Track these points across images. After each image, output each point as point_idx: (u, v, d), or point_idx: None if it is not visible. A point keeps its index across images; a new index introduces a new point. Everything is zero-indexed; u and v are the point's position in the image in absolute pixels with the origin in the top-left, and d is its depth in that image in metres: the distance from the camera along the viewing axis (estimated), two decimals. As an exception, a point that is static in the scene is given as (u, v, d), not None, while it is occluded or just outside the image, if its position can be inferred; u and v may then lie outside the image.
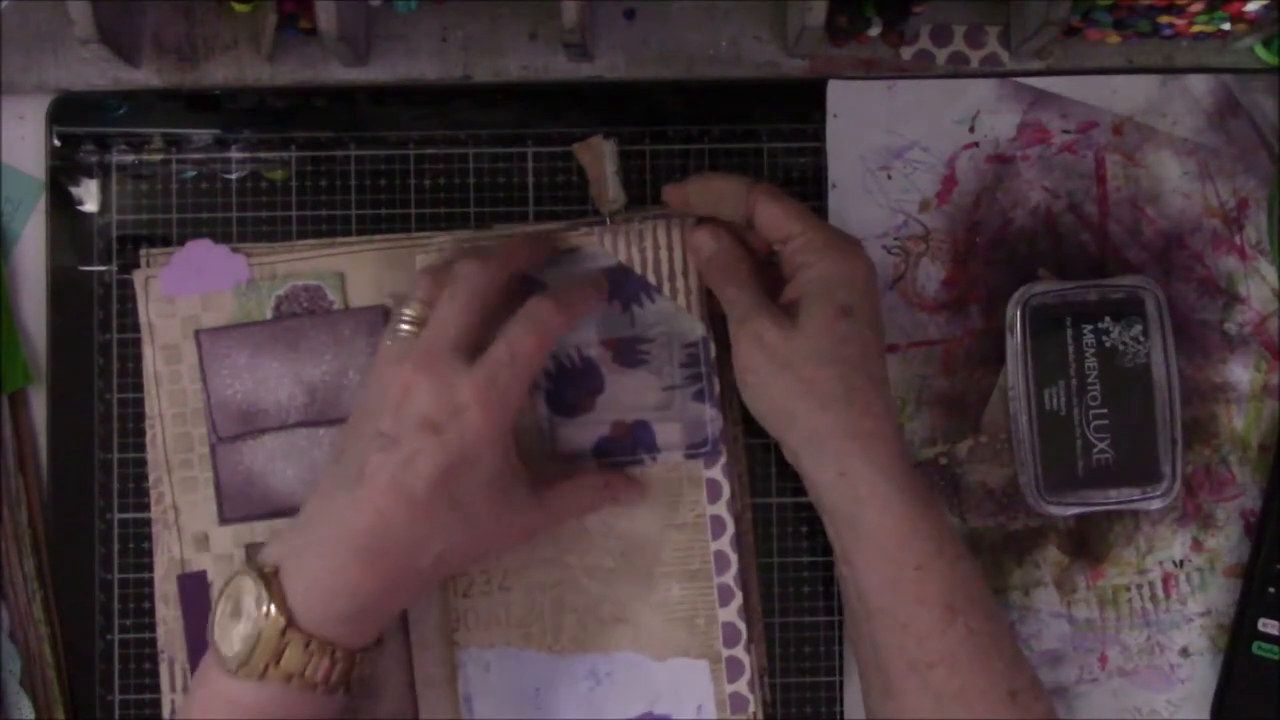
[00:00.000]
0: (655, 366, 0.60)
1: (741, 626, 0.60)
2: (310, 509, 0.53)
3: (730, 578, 0.60)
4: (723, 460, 0.60)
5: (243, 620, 0.50)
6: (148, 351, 0.61)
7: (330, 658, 0.51)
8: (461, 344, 0.52)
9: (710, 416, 0.60)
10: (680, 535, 0.60)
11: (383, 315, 0.61)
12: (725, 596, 0.60)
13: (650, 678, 0.60)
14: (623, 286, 0.60)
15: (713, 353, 0.60)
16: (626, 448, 0.60)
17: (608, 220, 0.61)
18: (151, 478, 0.61)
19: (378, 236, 0.62)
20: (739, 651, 0.60)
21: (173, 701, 0.61)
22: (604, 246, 0.60)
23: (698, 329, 0.60)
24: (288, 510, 0.60)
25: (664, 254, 0.60)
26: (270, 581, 0.51)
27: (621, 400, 0.60)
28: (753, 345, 0.55)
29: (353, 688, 0.52)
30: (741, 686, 0.60)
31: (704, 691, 0.60)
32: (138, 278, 0.61)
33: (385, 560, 0.51)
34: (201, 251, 0.61)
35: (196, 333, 0.61)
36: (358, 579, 0.51)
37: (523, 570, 0.60)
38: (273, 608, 0.50)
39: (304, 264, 0.61)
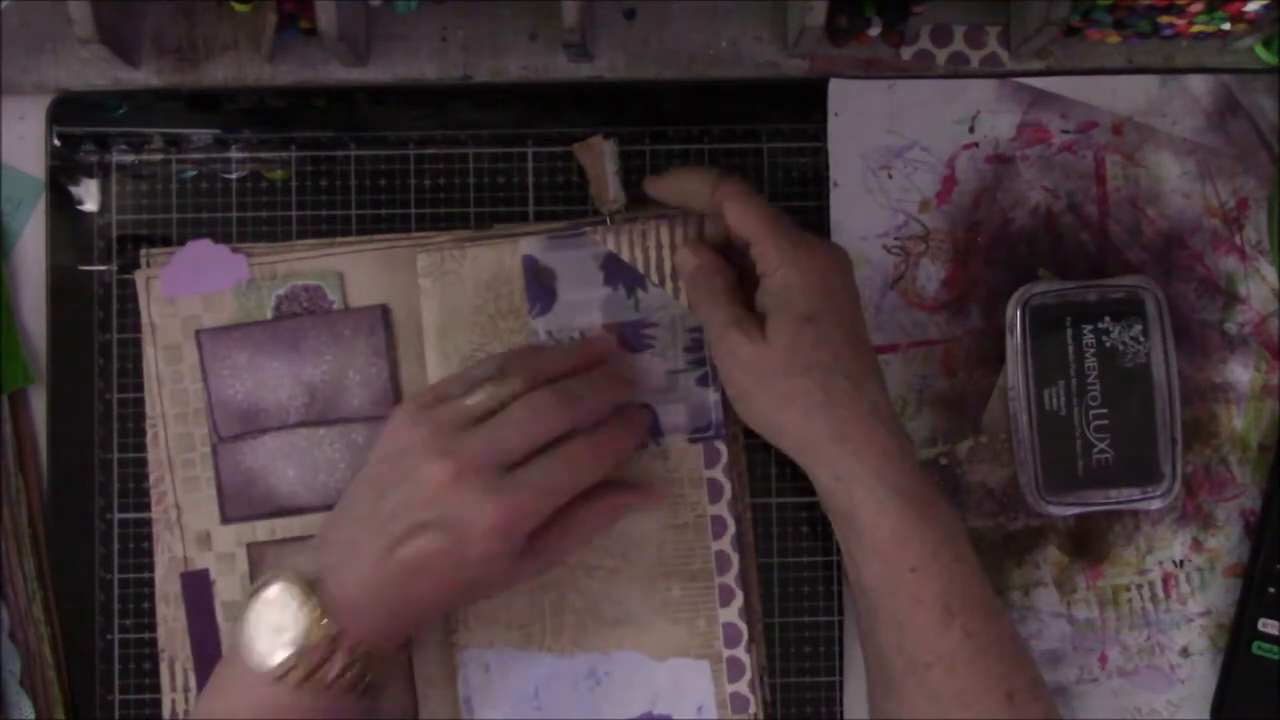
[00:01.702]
0: (660, 350, 0.60)
1: (742, 627, 0.60)
2: (341, 534, 0.54)
3: (731, 578, 0.60)
4: (724, 461, 0.60)
5: (290, 630, 0.51)
6: (149, 352, 0.61)
7: (365, 663, 0.52)
8: (506, 463, 0.53)
9: (714, 401, 0.60)
10: (681, 535, 0.60)
11: (382, 315, 0.61)
12: (726, 597, 0.60)
13: (650, 677, 0.60)
14: (626, 271, 0.60)
15: None
16: None
17: (608, 220, 0.61)
18: (153, 477, 0.61)
19: (378, 236, 0.62)
20: (740, 652, 0.60)
21: (173, 701, 0.61)
22: (606, 245, 0.60)
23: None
24: (289, 509, 0.61)
25: (666, 253, 0.60)
26: (317, 594, 0.52)
27: None
28: (729, 362, 0.55)
29: (370, 689, 0.53)
30: (742, 687, 0.60)
31: (704, 691, 0.60)
32: (139, 278, 0.61)
33: (421, 597, 0.53)
34: (202, 252, 0.61)
35: (197, 333, 0.61)
36: (399, 601, 0.53)
37: None
38: (325, 620, 0.51)
39: (304, 264, 0.61)
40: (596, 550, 0.60)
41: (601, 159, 0.61)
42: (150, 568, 0.61)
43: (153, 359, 0.61)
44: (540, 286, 0.60)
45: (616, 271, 0.60)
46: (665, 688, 0.60)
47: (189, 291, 0.61)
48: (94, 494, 0.62)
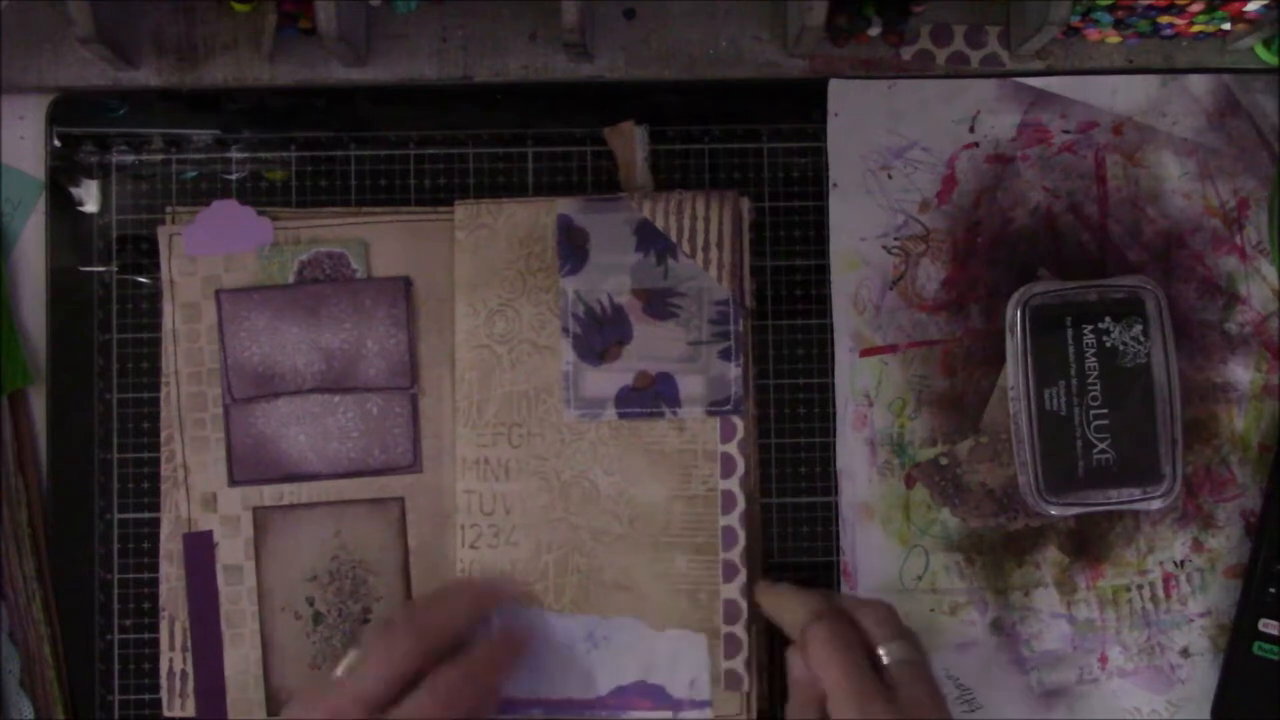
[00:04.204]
0: (684, 319, 0.60)
1: (743, 604, 0.60)
2: None
3: (736, 554, 0.60)
4: (739, 436, 0.60)
5: None
6: (167, 308, 0.61)
7: None
8: (374, 703, 0.53)
9: (734, 375, 0.60)
10: (690, 507, 0.60)
11: (404, 287, 0.61)
12: (729, 572, 0.60)
13: (647, 646, 0.60)
14: (658, 239, 0.61)
15: (741, 320, 0.60)
16: (648, 399, 0.60)
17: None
18: (163, 435, 0.61)
19: (404, 208, 0.62)
20: (738, 629, 0.60)
21: (170, 660, 0.61)
22: (642, 212, 0.61)
23: (726, 291, 0.60)
24: (299, 475, 0.61)
25: (700, 224, 0.60)
26: None
27: (648, 350, 0.60)
28: None
29: None
30: (738, 664, 0.60)
31: (699, 665, 0.60)
32: (161, 234, 0.61)
33: None
34: (227, 211, 0.61)
35: (217, 293, 0.61)
36: None
37: (532, 527, 0.60)
38: None
39: (329, 230, 0.61)
40: (604, 514, 0.60)
41: (632, 143, 0.61)
42: (151, 568, 0.61)
43: (170, 315, 0.61)
44: (572, 246, 0.61)
45: (649, 238, 0.61)
46: (661, 658, 0.60)
47: (211, 251, 0.61)
48: (94, 494, 0.62)
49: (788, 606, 0.57)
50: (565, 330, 0.60)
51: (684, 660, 0.60)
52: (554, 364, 0.60)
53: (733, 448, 0.60)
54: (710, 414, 0.60)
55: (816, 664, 0.53)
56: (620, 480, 0.60)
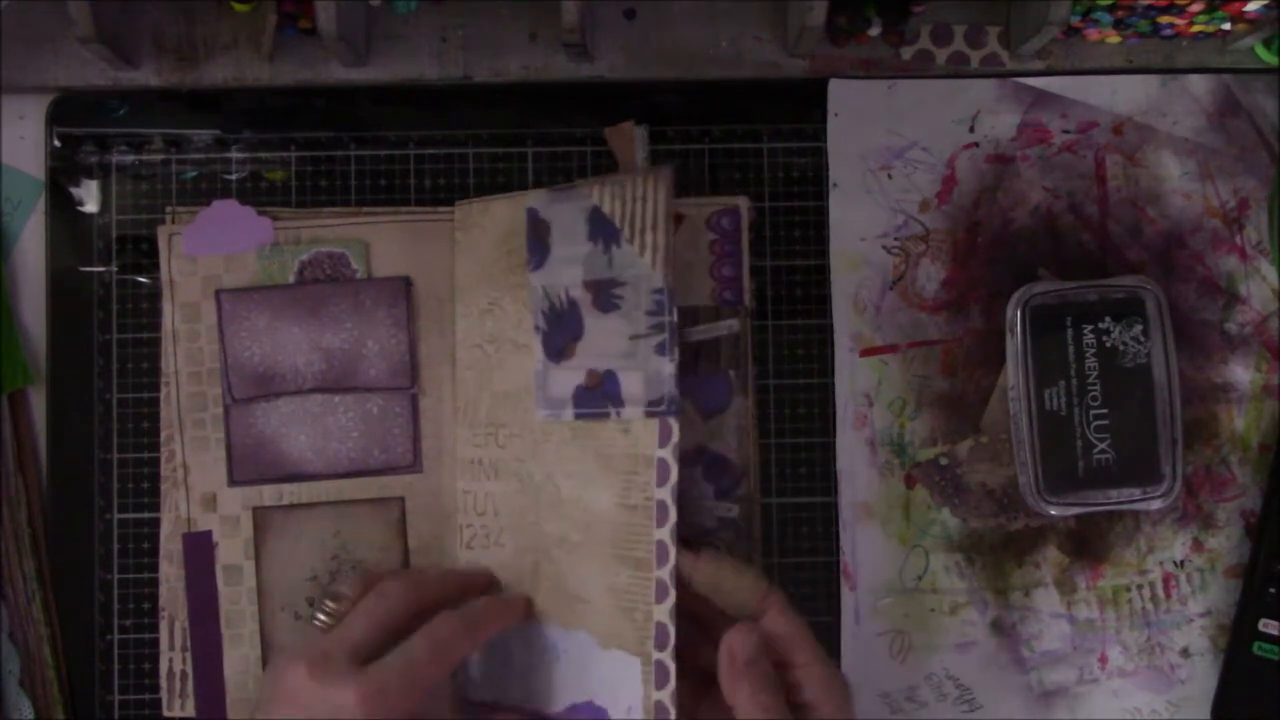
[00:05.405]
0: (626, 312, 0.55)
1: (671, 630, 0.53)
2: None
3: (667, 572, 0.54)
4: (674, 440, 0.54)
5: None
6: (167, 308, 0.61)
7: None
8: (361, 651, 0.53)
9: (669, 373, 0.54)
10: (631, 517, 0.55)
11: (404, 287, 0.61)
12: (660, 593, 0.54)
13: (595, 664, 0.56)
14: (606, 226, 0.56)
15: (674, 312, 0.55)
16: (598, 399, 0.56)
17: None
18: (163, 435, 0.61)
19: (404, 207, 0.62)
20: (666, 656, 0.53)
21: (170, 660, 0.61)
22: (592, 197, 0.57)
23: (660, 278, 0.55)
24: (299, 475, 0.61)
25: (639, 206, 0.55)
26: None
27: (596, 347, 0.56)
28: None
29: None
30: (665, 695, 0.53)
31: (634, 692, 0.54)
32: (161, 234, 0.61)
33: None
34: (226, 211, 0.61)
35: (218, 293, 0.61)
36: None
37: (514, 530, 0.59)
38: None
39: (329, 230, 0.61)
40: (566, 521, 0.57)
41: (632, 143, 0.61)
42: (151, 568, 0.61)
43: (170, 315, 0.61)
44: (537, 240, 0.58)
45: (599, 226, 0.56)
46: (606, 679, 0.55)
47: (211, 251, 0.61)
48: (94, 494, 0.62)
49: (735, 577, 0.54)
50: (537, 328, 0.58)
51: (622, 684, 0.54)
52: (530, 363, 0.58)
53: (668, 453, 0.54)
54: (649, 415, 0.54)
55: (789, 623, 0.53)
56: (577, 485, 0.56)
